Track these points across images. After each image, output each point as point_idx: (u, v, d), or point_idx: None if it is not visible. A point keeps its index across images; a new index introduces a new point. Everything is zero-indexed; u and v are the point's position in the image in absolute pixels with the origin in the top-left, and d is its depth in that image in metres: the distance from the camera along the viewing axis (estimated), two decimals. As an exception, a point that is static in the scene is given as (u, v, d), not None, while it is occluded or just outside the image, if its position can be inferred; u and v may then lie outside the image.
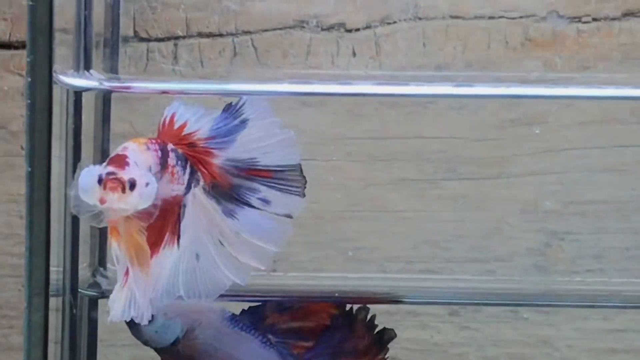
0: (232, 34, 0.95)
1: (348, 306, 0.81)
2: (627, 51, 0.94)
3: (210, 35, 0.95)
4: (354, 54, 0.95)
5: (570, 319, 0.90)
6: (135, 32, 0.95)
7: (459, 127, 0.94)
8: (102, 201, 0.69)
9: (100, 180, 0.69)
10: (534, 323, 0.90)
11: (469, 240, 0.96)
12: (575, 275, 0.95)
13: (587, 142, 0.95)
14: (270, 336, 0.81)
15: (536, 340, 0.97)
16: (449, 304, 0.95)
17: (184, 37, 0.95)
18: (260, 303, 0.81)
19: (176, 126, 0.74)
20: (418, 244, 0.96)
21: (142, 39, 0.95)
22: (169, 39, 0.95)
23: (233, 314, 0.80)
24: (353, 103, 0.95)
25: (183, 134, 0.74)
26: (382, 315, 0.89)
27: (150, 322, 0.74)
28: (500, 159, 0.95)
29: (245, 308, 0.81)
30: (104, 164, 0.70)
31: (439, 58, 0.94)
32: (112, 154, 0.70)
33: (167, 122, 0.74)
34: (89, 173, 0.69)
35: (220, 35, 0.95)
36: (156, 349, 0.78)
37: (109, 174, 0.69)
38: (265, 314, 0.81)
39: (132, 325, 0.76)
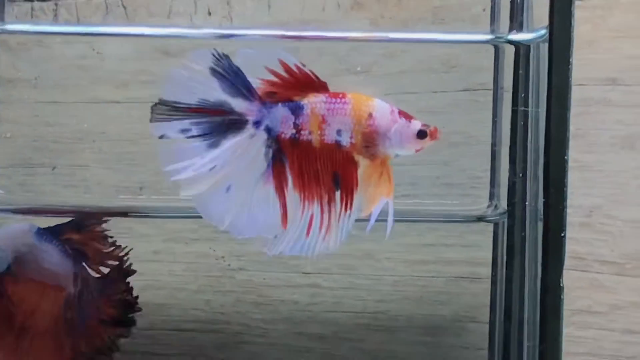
0: (105, -5, 0.99)
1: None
2: (437, 12, 1.00)
3: (86, -4, 0.99)
4: (209, 14, 1.00)
5: (390, 235, 0.86)
6: (21, -7, 0.98)
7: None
8: (418, 150, 0.78)
9: (422, 134, 0.77)
10: (359, 239, 0.87)
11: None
12: (394, 198, 0.93)
13: (404, 88, 0.99)
14: (67, 246, 0.86)
15: (362, 253, 1.02)
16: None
17: (63, -2, 0.98)
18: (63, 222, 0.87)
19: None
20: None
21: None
22: (50, -1, 0.99)
23: (39, 228, 0.85)
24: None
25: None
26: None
27: None
28: (331, 102, 0.98)
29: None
30: (401, 118, 0.78)
31: (282, 17, 1.00)
32: (392, 107, 0.79)
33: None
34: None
35: (95, -4, 0.99)
36: None
37: (426, 125, 0.78)
38: (63, 230, 0.86)
39: None
